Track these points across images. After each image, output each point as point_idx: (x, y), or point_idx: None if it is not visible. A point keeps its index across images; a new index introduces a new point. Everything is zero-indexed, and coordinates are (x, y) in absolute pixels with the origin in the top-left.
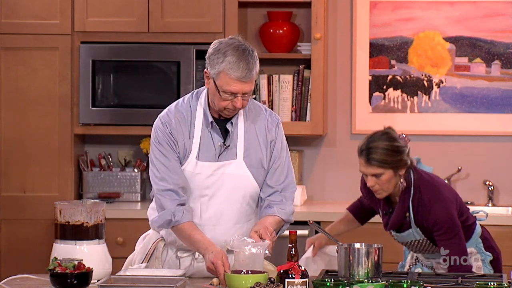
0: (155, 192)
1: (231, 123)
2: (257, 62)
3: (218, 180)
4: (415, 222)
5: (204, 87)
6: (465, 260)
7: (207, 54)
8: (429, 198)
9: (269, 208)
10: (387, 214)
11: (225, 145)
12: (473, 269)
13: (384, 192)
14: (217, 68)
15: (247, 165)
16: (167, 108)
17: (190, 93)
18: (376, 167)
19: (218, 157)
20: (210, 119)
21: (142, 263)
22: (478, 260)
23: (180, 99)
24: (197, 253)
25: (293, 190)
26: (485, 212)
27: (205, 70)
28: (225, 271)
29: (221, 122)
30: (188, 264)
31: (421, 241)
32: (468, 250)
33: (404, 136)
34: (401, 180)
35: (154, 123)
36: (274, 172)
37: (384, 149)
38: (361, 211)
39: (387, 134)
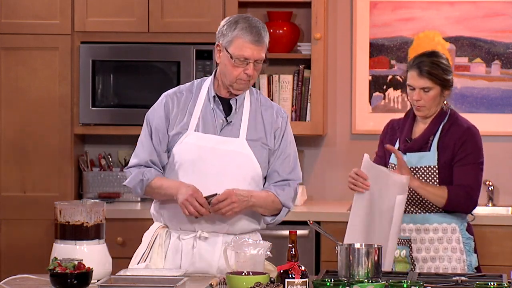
0: (126, 167)
1: (236, 100)
2: (268, 34)
3: (218, 155)
4: (437, 145)
5: (208, 76)
6: (469, 195)
7: (218, 30)
8: (468, 125)
9: (268, 188)
10: (406, 141)
11: (227, 121)
12: (456, 264)
13: (426, 109)
14: (230, 36)
15: (250, 145)
16: (167, 91)
17: (195, 80)
18: (427, 79)
19: (220, 131)
20: (213, 93)
21: (145, 252)
22: (462, 251)
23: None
24: (199, 232)
25: (298, 182)
26: (473, 215)
27: (216, 44)
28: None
29: (225, 100)
30: (191, 247)
31: (425, 172)
32: (452, 225)
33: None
34: (445, 102)
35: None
36: (283, 162)
37: (436, 64)
38: None
39: (437, 53)
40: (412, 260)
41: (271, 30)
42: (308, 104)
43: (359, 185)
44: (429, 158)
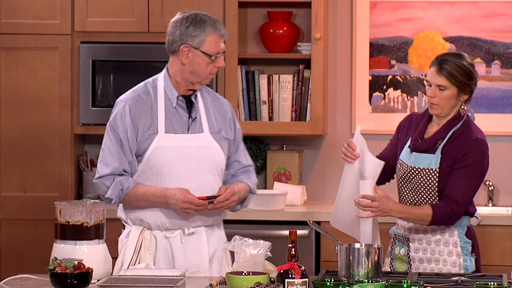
0: (96, 176)
1: (195, 95)
2: None
3: (191, 153)
4: (442, 149)
5: (153, 77)
6: (454, 213)
7: (178, 33)
8: (476, 137)
9: (237, 177)
10: (417, 140)
11: (191, 117)
12: (451, 268)
13: (439, 108)
14: (202, 36)
15: (214, 137)
16: (123, 96)
17: (143, 82)
18: (445, 78)
19: (188, 130)
20: (176, 94)
21: (132, 257)
22: (458, 255)
23: (136, 86)
24: (186, 228)
25: (253, 170)
26: (478, 219)
27: (182, 47)
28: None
29: (185, 97)
30: (179, 243)
31: (426, 174)
32: (451, 227)
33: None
34: (463, 107)
35: (115, 109)
36: (242, 152)
37: (458, 66)
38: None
39: (464, 56)
40: (409, 259)
41: (271, 30)
42: (308, 104)
43: (349, 155)
44: (432, 161)
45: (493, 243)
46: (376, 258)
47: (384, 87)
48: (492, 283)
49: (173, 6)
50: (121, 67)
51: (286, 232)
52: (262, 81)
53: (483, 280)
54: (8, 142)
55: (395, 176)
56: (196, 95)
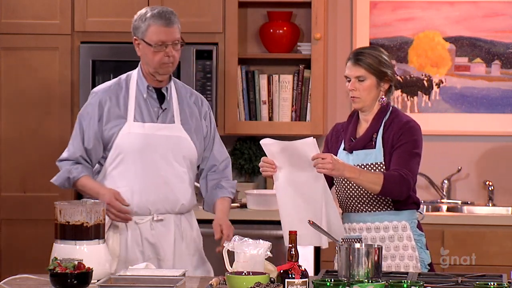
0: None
1: (166, 88)
2: (177, 17)
3: (160, 141)
4: (381, 141)
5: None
6: (404, 179)
7: (132, 27)
8: (407, 120)
9: (221, 189)
10: (351, 140)
11: (161, 108)
12: (409, 262)
13: (361, 101)
14: (143, 27)
15: (185, 129)
16: (96, 87)
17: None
18: (362, 68)
19: (157, 119)
20: (146, 84)
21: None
22: (414, 248)
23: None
24: (155, 215)
25: (230, 164)
26: (422, 213)
27: (133, 39)
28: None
29: (157, 90)
30: (149, 228)
31: (372, 169)
32: (402, 222)
33: (383, 98)
34: (382, 96)
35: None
36: (217, 145)
37: (373, 56)
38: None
39: (378, 48)
40: None
41: (271, 30)
42: (308, 104)
43: (269, 170)
44: (375, 155)
45: (493, 243)
46: (376, 258)
47: None
48: (492, 283)
49: (173, 6)
50: (121, 67)
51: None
52: (262, 81)
53: (483, 280)
54: (8, 142)
55: (335, 183)
56: (167, 88)
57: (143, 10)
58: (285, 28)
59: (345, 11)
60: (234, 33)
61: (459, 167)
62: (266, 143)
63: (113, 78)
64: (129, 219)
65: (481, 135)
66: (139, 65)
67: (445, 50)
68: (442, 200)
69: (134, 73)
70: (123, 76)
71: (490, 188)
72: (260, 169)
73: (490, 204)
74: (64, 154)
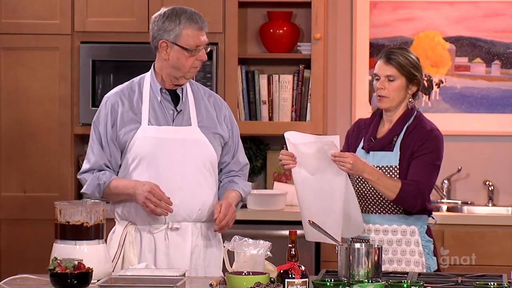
0: (79, 172)
1: (182, 89)
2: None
3: (176, 145)
4: (400, 145)
5: (141, 75)
6: (420, 192)
7: (156, 28)
8: (431, 127)
9: (233, 183)
10: (370, 140)
11: (177, 110)
12: (414, 267)
13: (389, 101)
14: (177, 30)
15: (202, 132)
16: (109, 93)
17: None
18: (394, 68)
19: (173, 122)
20: (159, 86)
21: (116, 252)
22: (421, 254)
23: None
24: (170, 223)
25: (248, 170)
26: (434, 219)
27: (160, 42)
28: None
29: (171, 92)
30: (163, 239)
31: (386, 172)
32: (411, 227)
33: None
34: (410, 99)
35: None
36: (239, 156)
37: (405, 57)
38: None
39: (409, 50)
40: None
41: (271, 30)
42: (308, 104)
43: (288, 163)
44: (391, 158)
45: (493, 243)
46: (376, 258)
47: None
48: (492, 283)
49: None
50: (121, 67)
51: (286, 232)
52: (262, 81)
53: (483, 280)
54: (8, 142)
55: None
56: (182, 89)
57: (169, 11)
58: (285, 28)
59: (345, 11)
60: (234, 33)
61: (459, 167)
62: (288, 137)
63: (113, 78)
64: (170, 210)
65: (481, 135)
66: (152, 68)
67: (445, 50)
68: (442, 200)
69: (147, 77)
70: (136, 79)
71: (490, 188)
72: (280, 162)
73: (490, 204)
74: (86, 166)
